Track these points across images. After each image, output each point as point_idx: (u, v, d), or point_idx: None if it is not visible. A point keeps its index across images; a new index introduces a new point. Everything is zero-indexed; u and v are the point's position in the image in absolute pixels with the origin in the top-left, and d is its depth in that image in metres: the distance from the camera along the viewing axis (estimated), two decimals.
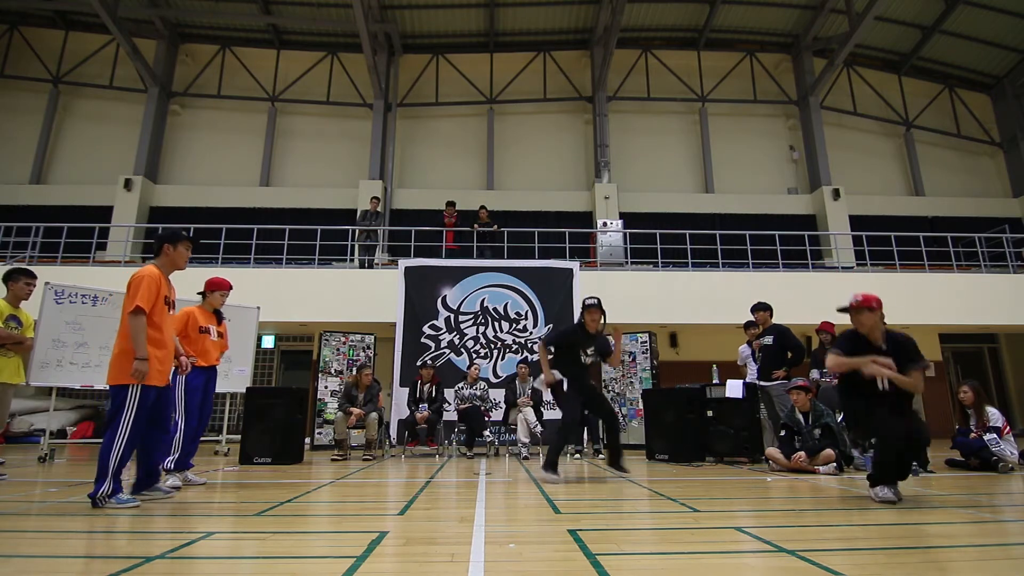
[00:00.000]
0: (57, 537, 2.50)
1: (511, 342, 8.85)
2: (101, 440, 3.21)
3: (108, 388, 3.32)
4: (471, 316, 8.93)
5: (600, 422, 5.23)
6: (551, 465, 4.45)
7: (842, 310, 3.50)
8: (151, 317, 3.33)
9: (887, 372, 3.21)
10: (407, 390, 7.77)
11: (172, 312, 3.60)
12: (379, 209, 11.30)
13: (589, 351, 4.75)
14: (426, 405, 7.35)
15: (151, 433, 3.43)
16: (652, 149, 15.02)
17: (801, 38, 14.96)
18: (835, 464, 4.99)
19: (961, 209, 14.76)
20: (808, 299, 9.62)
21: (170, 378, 3.62)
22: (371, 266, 10.83)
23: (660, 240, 10.81)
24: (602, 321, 4.78)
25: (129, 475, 3.58)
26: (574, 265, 9.32)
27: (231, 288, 4.68)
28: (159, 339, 3.39)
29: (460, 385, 7.71)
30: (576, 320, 4.94)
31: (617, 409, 8.71)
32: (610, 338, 4.91)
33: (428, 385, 7.49)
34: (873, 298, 3.43)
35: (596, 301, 4.77)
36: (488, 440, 7.41)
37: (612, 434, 4.86)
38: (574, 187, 14.66)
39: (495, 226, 10.86)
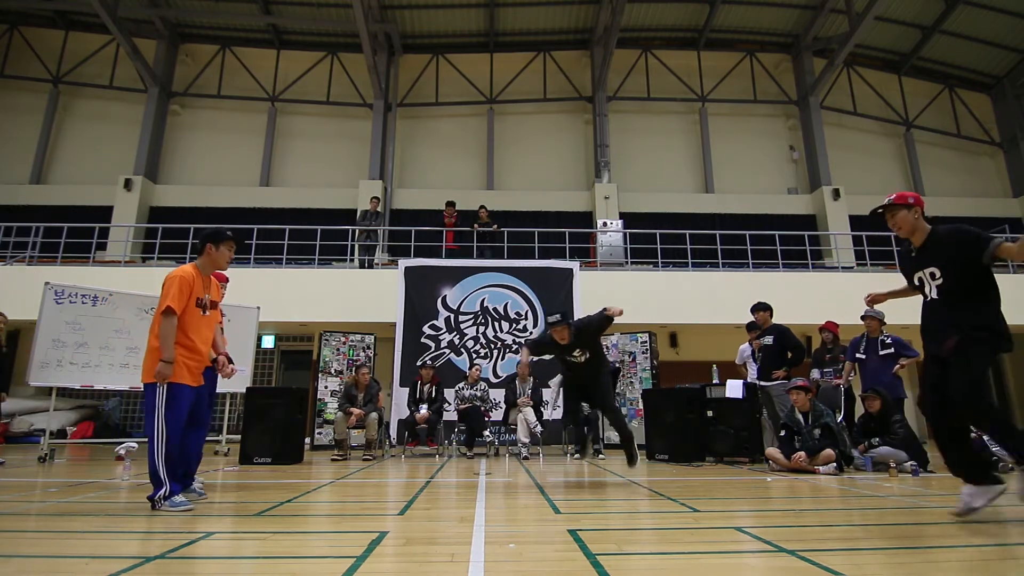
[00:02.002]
0: (57, 537, 2.50)
1: (511, 342, 8.85)
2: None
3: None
4: (471, 316, 8.93)
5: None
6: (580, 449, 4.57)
7: (875, 212, 3.12)
8: (181, 318, 3.30)
9: None
10: (407, 390, 7.77)
11: (206, 313, 3.51)
12: (379, 209, 11.30)
13: (575, 355, 4.51)
14: (426, 405, 7.35)
15: (187, 434, 3.38)
16: (652, 149, 15.02)
17: (801, 38, 14.95)
18: (835, 464, 4.99)
19: (961, 209, 14.75)
20: (808, 299, 9.62)
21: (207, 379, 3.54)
22: (371, 266, 10.83)
23: (660, 240, 10.81)
24: (569, 335, 4.43)
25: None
26: (574, 265, 9.32)
27: (228, 281, 4.68)
28: (187, 340, 3.34)
29: (460, 385, 7.71)
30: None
31: None
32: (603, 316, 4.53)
33: (428, 385, 7.49)
34: (909, 194, 3.02)
35: (558, 318, 4.45)
36: (488, 440, 7.41)
37: (622, 440, 4.56)
38: (574, 187, 14.65)
39: (495, 226, 10.86)
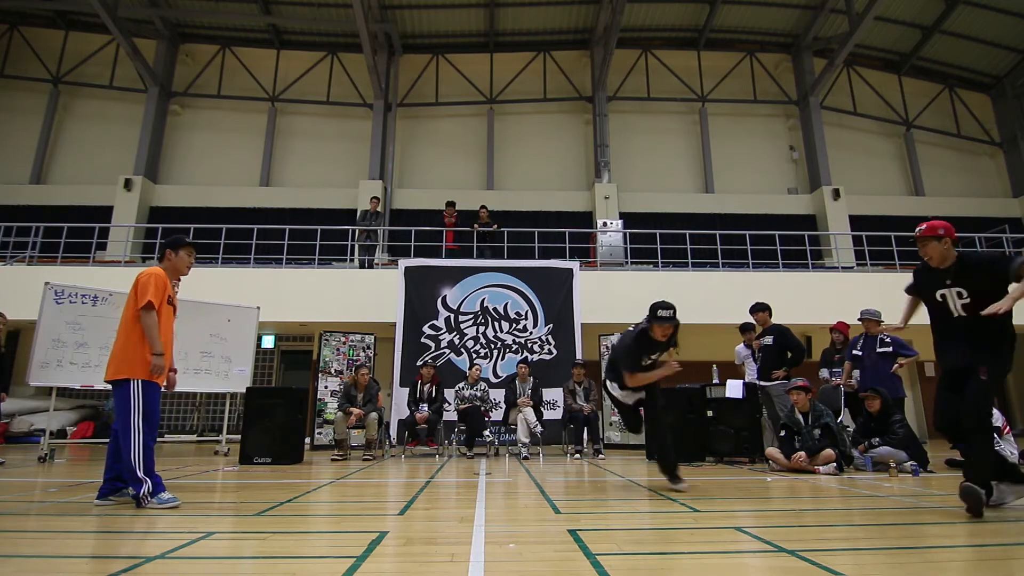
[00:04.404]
0: (57, 537, 2.50)
1: (511, 342, 8.85)
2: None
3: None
4: (471, 316, 8.93)
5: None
6: (671, 475, 3.95)
7: (911, 240, 3.26)
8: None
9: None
10: (407, 390, 7.77)
11: (174, 315, 3.58)
12: (379, 209, 11.29)
13: (653, 356, 4.18)
14: (426, 405, 7.35)
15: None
16: (652, 149, 15.02)
17: (801, 38, 14.95)
18: (835, 464, 4.99)
19: (961, 209, 14.76)
20: (808, 299, 9.62)
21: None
22: (371, 266, 10.82)
23: (660, 240, 10.80)
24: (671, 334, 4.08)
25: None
26: (574, 265, 9.32)
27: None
28: (161, 339, 3.37)
29: (460, 385, 7.70)
30: (639, 328, 4.18)
31: None
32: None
33: (428, 385, 7.49)
34: (939, 225, 3.14)
35: (671, 314, 3.99)
36: (488, 440, 7.41)
37: (659, 449, 4.25)
38: (574, 187, 14.65)
39: (495, 226, 10.85)
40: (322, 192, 14.15)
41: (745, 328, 7.01)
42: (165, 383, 3.58)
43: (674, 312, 4.02)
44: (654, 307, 4.04)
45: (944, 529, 2.61)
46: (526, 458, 6.69)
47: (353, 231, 11.16)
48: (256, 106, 14.93)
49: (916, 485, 4.17)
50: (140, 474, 3.12)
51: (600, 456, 6.97)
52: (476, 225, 10.72)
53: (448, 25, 14.87)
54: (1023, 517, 2.82)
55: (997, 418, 5.20)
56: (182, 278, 3.72)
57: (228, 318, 7.82)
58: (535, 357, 8.67)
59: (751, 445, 6.12)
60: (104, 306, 6.84)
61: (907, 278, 10.40)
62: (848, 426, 5.95)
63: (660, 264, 10.88)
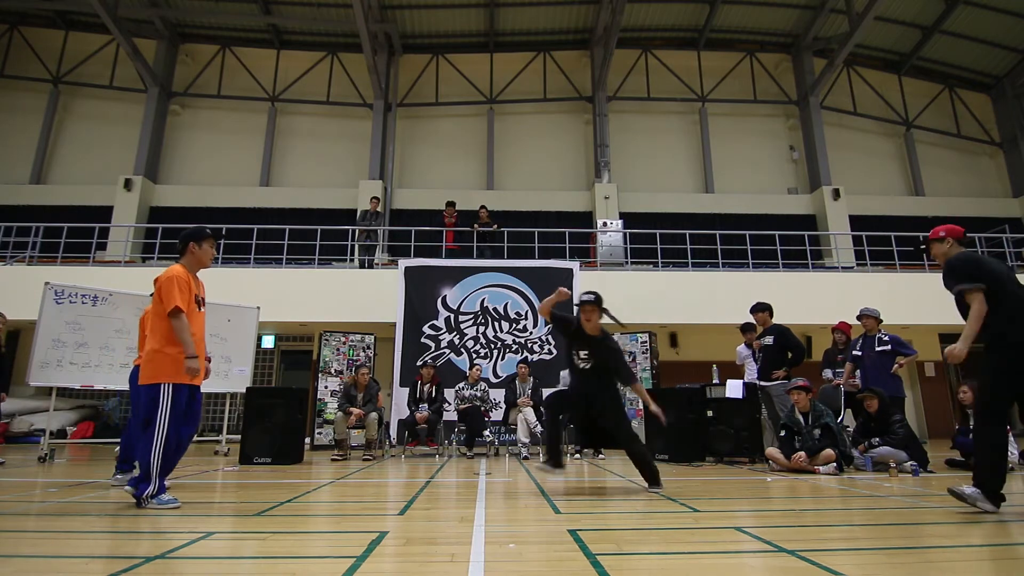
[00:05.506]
0: (57, 537, 2.50)
1: (511, 342, 8.85)
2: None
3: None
4: (471, 316, 8.93)
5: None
6: (652, 479, 3.90)
7: (922, 246, 3.41)
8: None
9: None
10: (407, 390, 7.77)
11: (202, 310, 3.57)
12: (379, 209, 11.30)
13: (583, 354, 4.00)
14: (426, 405, 7.35)
15: (180, 429, 3.40)
16: (652, 149, 15.02)
17: (801, 38, 14.95)
18: (835, 464, 4.99)
19: (961, 209, 14.75)
20: (808, 299, 9.62)
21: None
22: (371, 266, 10.83)
23: (660, 240, 10.80)
24: (602, 319, 3.99)
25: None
26: (574, 265, 9.32)
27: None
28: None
29: (461, 385, 7.71)
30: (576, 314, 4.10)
31: None
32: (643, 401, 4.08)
33: (428, 385, 7.49)
34: (941, 228, 3.30)
35: (592, 297, 3.95)
36: (488, 440, 7.41)
37: (637, 462, 3.97)
38: (574, 187, 14.65)
39: (495, 226, 10.86)
40: (322, 192, 14.15)
41: (746, 328, 7.01)
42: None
43: (596, 296, 4.00)
44: (580, 295, 4.08)
45: (944, 529, 2.61)
46: (526, 458, 6.69)
47: (353, 231, 11.17)
48: (256, 106, 14.93)
49: (916, 485, 4.17)
50: (153, 475, 3.16)
51: (600, 456, 6.97)
52: (476, 225, 10.72)
53: (448, 25, 14.87)
54: (1023, 518, 2.82)
55: None
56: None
57: (228, 318, 7.82)
58: (535, 357, 8.67)
59: (751, 445, 6.12)
60: (104, 306, 6.85)
61: (907, 278, 10.44)
62: (848, 426, 5.95)
63: (660, 264, 10.89)
